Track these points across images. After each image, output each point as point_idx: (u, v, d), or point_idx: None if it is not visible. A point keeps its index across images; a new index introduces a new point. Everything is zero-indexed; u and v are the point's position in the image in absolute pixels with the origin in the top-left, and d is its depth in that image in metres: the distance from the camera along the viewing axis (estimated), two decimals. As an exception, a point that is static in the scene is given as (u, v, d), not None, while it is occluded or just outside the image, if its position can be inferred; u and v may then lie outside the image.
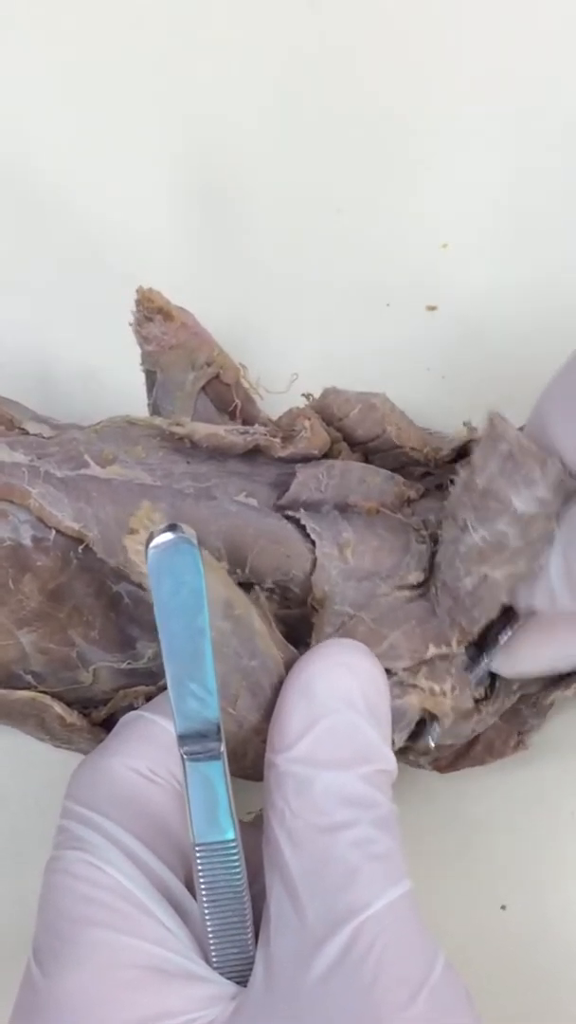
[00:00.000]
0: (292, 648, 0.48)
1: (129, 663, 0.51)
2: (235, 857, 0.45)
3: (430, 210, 0.62)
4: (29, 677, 0.51)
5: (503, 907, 0.56)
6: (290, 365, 0.58)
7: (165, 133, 0.63)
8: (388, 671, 0.49)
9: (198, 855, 0.45)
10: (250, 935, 0.46)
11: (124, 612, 0.50)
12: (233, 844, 0.45)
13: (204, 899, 0.45)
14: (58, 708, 0.51)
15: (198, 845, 0.45)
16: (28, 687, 0.51)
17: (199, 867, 0.45)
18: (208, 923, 0.45)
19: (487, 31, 0.63)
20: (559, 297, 0.61)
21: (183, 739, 0.44)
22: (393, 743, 0.49)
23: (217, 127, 0.63)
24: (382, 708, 0.47)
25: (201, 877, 0.45)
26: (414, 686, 0.49)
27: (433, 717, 0.50)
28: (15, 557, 0.49)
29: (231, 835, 0.45)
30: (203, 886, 0.45)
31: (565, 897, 0.56)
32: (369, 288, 0.62)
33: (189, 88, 0.63)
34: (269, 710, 0.47)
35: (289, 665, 0.47)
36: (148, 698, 0.51)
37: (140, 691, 0.51)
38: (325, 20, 0.63)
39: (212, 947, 0.45)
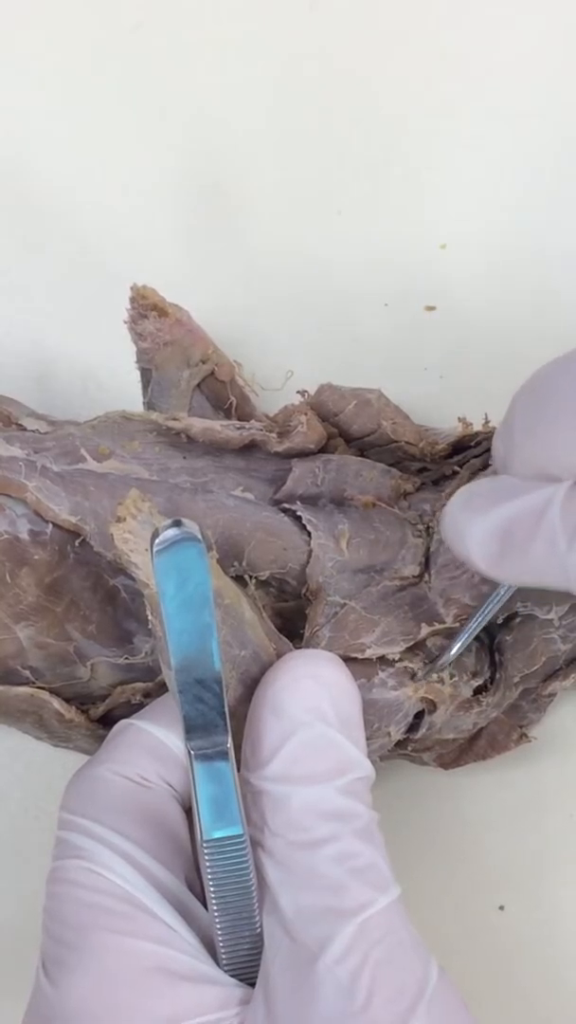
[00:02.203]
0: (285, 639, 0.48)
1: (127, 658, 0.51)
2: (243, 852, 0.44)
3: (429, 210, 0.62)
4: (27, 672, 0.51)
5: (501, 907, 0.56)
6: (286, 364, 0.58)
7: (164, 133, 0.63)
8: (384, 658, 0.49)
9: (206, 851, 0.44)
10: (260, 930, 0.45)
11: (121, 606, 0.50)
12: (242, 839, 0.44)
13: (212, 896, 0.45)
14: (56, 704, 0.50)
15: (207, 841, 0.44)
16: (26, 683, 0.51)
17: (207, 863, 0.44)
18: (217, 920, 0.45)
19: (487, 31, 0.63)
20: (557, 297, 0.61)
21: (190, 735, 0.44)
22: (389, 736, 0.49)
23: (217, 127, 0.63)
24: (354, 715, 0.46)
25: (209, 873, 0.44)
26: (412, 671, 0.49)
27: (432, 707, 0.50)
28: (12, 551, 0.49)
29: (240, 830, 0.44)
30: (211, 882, 0.45)
31: (564, 897, 0.56)
32: (368, 288, 0.62)
33: (189, 88, 0.63)
34: None
35: (280, 656, 0.47)
36: (146, 694, 0.51)
37: (138, 687, 0.51)
38: (325, 20, 0.63)
39: (221, 945, 0.45)
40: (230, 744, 0.44)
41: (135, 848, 0.45)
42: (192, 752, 0.44)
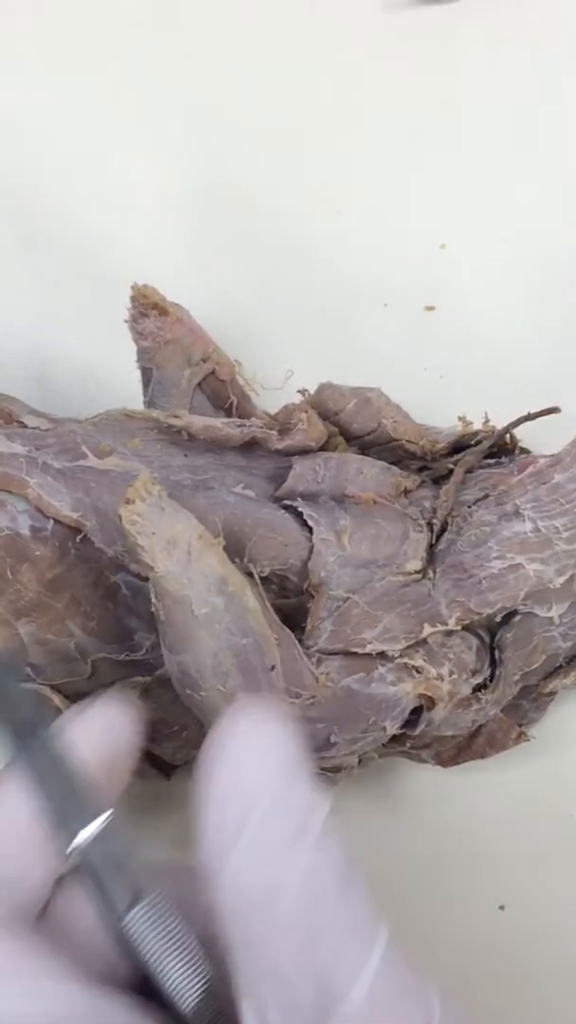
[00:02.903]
0: (286, 629, 0.48)
1: (128, 654, 0.51)
2: (165, 910, 0.41)
3: (429, 210, 0.62)
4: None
5: (501, 907, 0.56)
6: (286, 364, 0.58)
7: (164, 133, 0.63)
8: (384, 654, 0.49)
9: (130, 930, 0.41)
10: (210, 981, 0.42)
11: (122, 603, 0.50)
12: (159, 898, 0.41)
13: (154, 966, 0.41)
14: (57, 701, 0.50)
15: (124, 923, 0.41)
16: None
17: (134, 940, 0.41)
18: (170, 988, 0.41)
19: (487, 31, 0.63)
20: (557, 297, 0.62)
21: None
22: (384, 730, 0.49)
23: (217, 126, 0.63)
24: (300, 757, 0.42)
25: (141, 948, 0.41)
26: (411, 668, 0.49)
27: (430, 703, 0.50)
28: (13, 547, 0.49)
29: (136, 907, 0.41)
30: (146, 956, 0.41)
31: (565, 897, 0.56)
32: (367, 288, 0.62)
33: (189, 88, 0.64)
34: (260, 690, 0.47)
35: (281, 645, 0.47)
36: (145, 689, 0.51)
37: (137, 682, 0.51)
38: (325, 20, 0.63)
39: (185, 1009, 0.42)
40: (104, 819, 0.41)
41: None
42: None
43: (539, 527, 0.50)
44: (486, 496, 0.52)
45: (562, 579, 0.50)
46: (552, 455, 0.53)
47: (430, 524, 0.52)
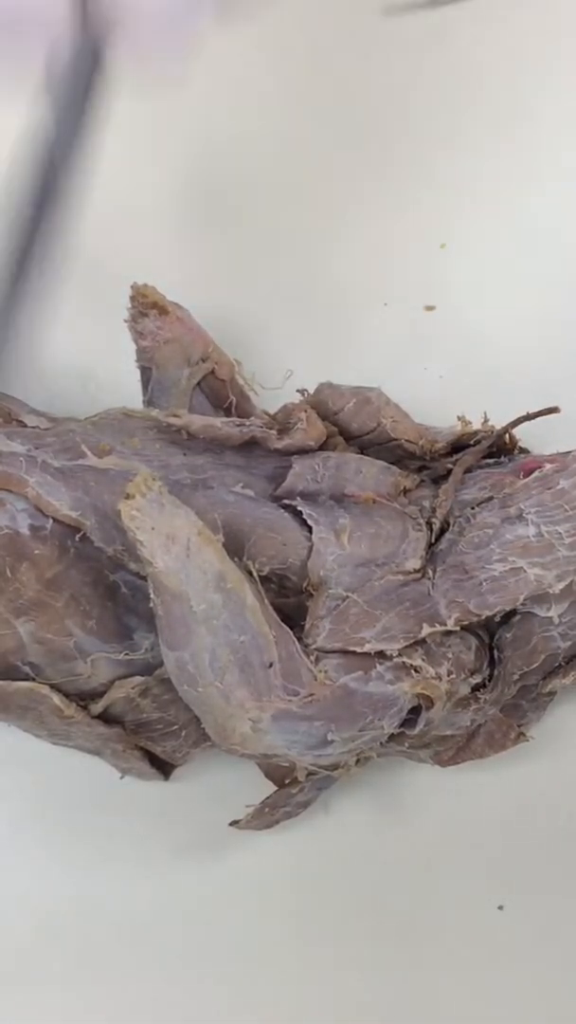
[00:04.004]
0: (285, 627, 0.48)
1: (127, 654, 0.51)
2: None
3: (429, 210, 0.62)
4: (27, 668, 0.50)
5: (501, 907, 0.56)
6: (286, 363, 0.58)
7: (164, 133, 0.63)
8: (382, 653, 0.49)
9: None
10: None
11: (122, 602, 0.50)
12: None
13: None
14: (56, 699, 0.50)
15: None
16: (26, 678, 0.51)
17: None
18: None
19: (488, 31, 0.63)
20: (557, 296, 0.62)
21: None
22: (382, 728, 0.49)
23: (216, 127, 0.63)
24: None
25: None
26: (411, 667, 0.49)
27: (429, 703, 0.50)
28: (12, 546, 0.49)
29: None
30: None
31: (564, 897, 0.56)
32: (367, 288, 0.62)
33: (188, 88, 0.63)
34: (258, 686, 0.47)
35: (281, 643, 0.47)
36: (144, 689, 0.51)
37: (136, 682, 0.51)
38: (324, 21, 0.63)
39: None
40: None
41: None
42: None
43: (542, 532, 0.50)
44: (490, 498, 0.52)
45: (561, 584, 0.50)
46: (556, 456, 0.53)
47: (429, 523, 0.52)
